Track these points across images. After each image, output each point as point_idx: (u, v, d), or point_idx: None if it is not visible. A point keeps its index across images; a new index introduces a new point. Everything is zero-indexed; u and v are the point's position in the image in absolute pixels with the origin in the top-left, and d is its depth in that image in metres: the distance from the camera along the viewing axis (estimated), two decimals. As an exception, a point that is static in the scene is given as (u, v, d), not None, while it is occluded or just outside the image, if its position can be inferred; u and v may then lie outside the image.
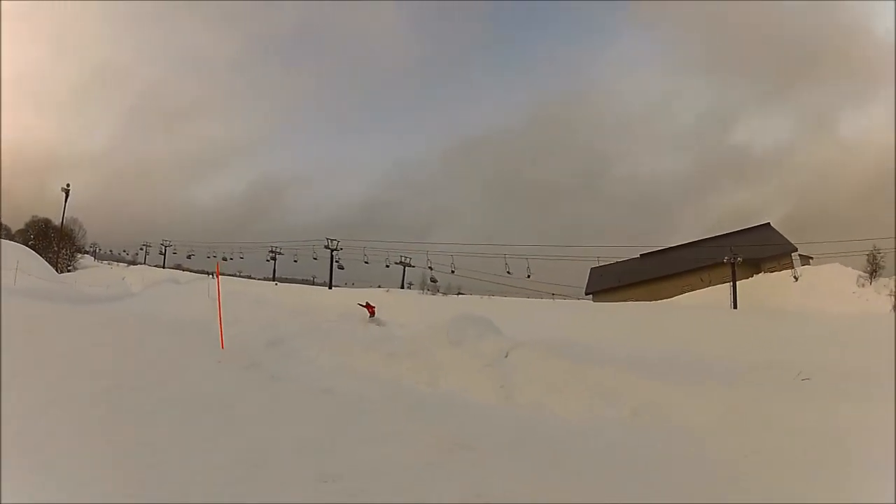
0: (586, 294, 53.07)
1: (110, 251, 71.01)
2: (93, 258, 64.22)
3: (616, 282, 51.93)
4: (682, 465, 8.19)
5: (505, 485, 6.42)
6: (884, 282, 27.14)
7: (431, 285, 44.16)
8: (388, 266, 49.86)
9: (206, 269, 52.50)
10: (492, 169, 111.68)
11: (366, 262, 49.98)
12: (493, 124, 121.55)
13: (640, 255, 53.23)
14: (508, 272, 45.97)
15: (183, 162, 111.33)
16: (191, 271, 56.46)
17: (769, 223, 53.74)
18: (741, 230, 51.02)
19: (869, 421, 9.61)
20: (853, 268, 36.89)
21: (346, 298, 30.68)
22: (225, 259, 59.57)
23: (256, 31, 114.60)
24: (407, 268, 49.59)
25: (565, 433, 9.58)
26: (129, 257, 70.48)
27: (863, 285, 32.49)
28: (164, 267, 62.01)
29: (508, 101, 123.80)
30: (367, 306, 20.91)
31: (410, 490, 6.16)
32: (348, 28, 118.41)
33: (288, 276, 54.72)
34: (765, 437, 9.23)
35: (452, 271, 46.50)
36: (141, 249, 69.70)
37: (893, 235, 34.83)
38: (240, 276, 55.69)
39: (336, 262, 49.00)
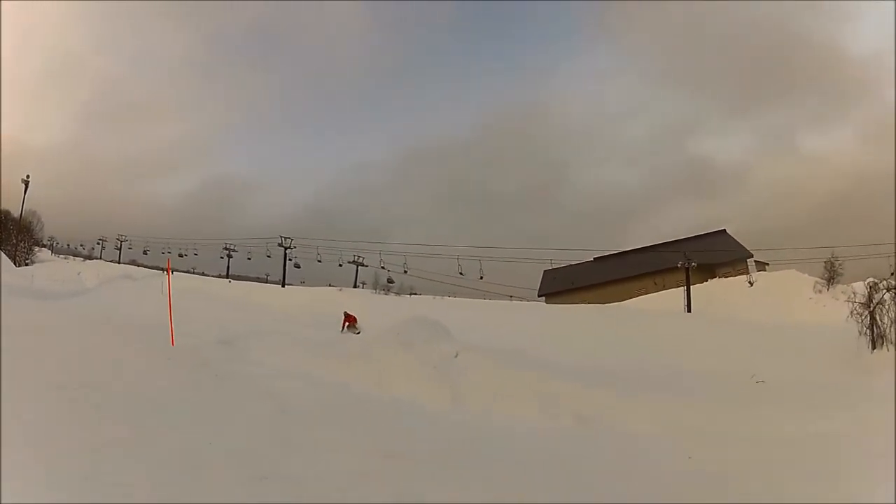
0: (539, 296, 53.20)
1: (67, 245, 69.65)
2: (50, 252, 63.00)
3: (569, 284, 52.13)
4: (624, 473, 8.32)
5: (434, 495, 6.44)
6: (842, 288, 27.34)
7: (384, 285, 44.06)
8: (340, 265, 49.65)
9: (160, 266, 51.57)
10: (447, 175, 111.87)
11: (318, 261, 49.79)
12: (451, 130, 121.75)
13: (594, 258, 53.64)
14: (461, 273, 46.20)
15: (140, 158, 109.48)
16: (145, 267, 55.53)
17: (725, 230, 54.49)
18: (696, 236, 51.66)
19: (818, 428, 9.89)
20: (810, 274, 37.36)
21: (299, 297, 30.47)
22: (181, 255, 58.70)
23: (217, 28, 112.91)
24: (360, 267, 49.50)
25: (508, 440, 9.63)
26: (85, 252, 69.17)
27: (820, 291, 32.74)
28: (119, 262, 61.07)
29: (468, 107, 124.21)
30: (347, 317, 20.45)
31: (338, 497, 6.17)
32: (308, 29, 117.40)
33: (242, 274, 54.02)
34: (709, 445, 9.41)
35: (405, 271, 46.55)
36: (97, 244, 68.56)
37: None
38: (194, 273, 55.06)
39: (290, 260, 48.68)
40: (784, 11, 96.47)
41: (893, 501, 4.77)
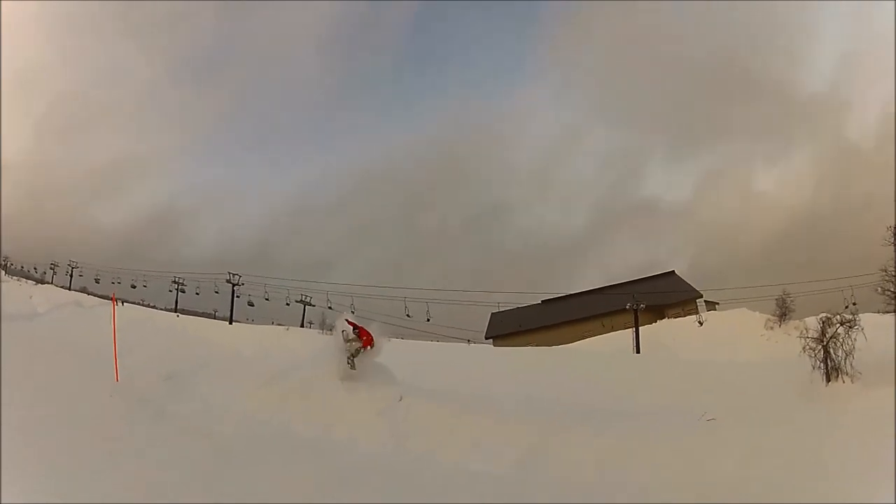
0: (486, 338, 53.05)
1: (21, 267, 68.16)
2: (3, 272, 61.58)
3: (517, 326, 52.37)
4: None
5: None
6: (794, 324, 27.49)
7: (331, 325, 43.95)
8: (288, 304, 49.41)
9: (110, 295, 50.76)
10: (392, 207, 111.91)
11: (266, 300, 49.41)
12: (396, 161, 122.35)
13: (542, 300, 54.00)
14: (408, 315, 46.29)
15: (91, 179, 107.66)
16: (95, 296, 54.43)
17: (674, 271, 55.39)
18: (645, 277, 52.35)
19: (763, 462, 9.99)
20: (761, 312, 37.72)
21: (245, 334, 30.13)
22: (134, 287, 57.98)
23: (171, 49, 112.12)
24: (307, 307, 49.26)
25: (447, 481, 9.58)
26: (37, 275, 67.71)
27: (771, 328, 32.93)
28: (70, 289, 59.79)
29: (413, 138, 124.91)
30: (361, 331, 15.15)
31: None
32: (262, 50, 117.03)
33: (190, 308, 53.36)
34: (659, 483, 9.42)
35: (353, 312, 46.50)
36: (50, 269, 67.20)
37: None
38: (143, 305, 54.19)
39: (238, 297, 48.18)
40: (731, 49, 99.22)
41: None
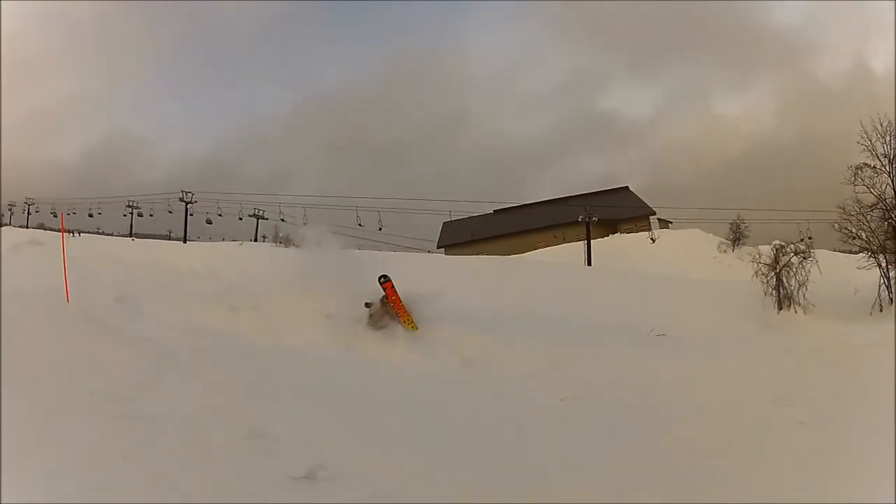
0: (438, 248, 53.79)
1: None
2: (-41, 218, 59.96)
3: (468, 236, 52.98)
4: (499, 408, 8.61)
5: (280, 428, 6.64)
6: (747, 250, 27.83)
7: (284, 238, 43.81)
8: (241, 219, 49.15)
9: (68, 227, 49.77)
10: (343, 123, 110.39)
11: (219, 215, 49.08)
12: (347, 77, 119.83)
13: (494, 210, 54.24)
14: (360, 224, 46.34)
15: (41, 116, 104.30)
16: (53, 230, 53.43)
17: (628, 186, 56.02)
18: (599, 191, 52.91)
19: (710, 371, 10.35)
20: (714, 235, 37.96)
21: (199, 253, 29.84)
22: (91, 216, 57.08)
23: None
24: (260, 220, 48.98)
25: (392, 382, 9.83)
26: (-5, 218, 65.92)
27: (724, 252, 33.31)
28: (27, 227, 58.52)
29: (364, 53, 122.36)
30: (389, 292, 12.88)
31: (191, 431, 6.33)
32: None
33: (146, 232, 52.91)
34: (588, 387, 9.72)
35: (304, 223, 46.50)
36: (8, 210, 65.54)
37: None
38: (99, 233, 53.40)
39: (192, 215, 47.72)
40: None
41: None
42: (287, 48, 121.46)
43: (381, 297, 12.95)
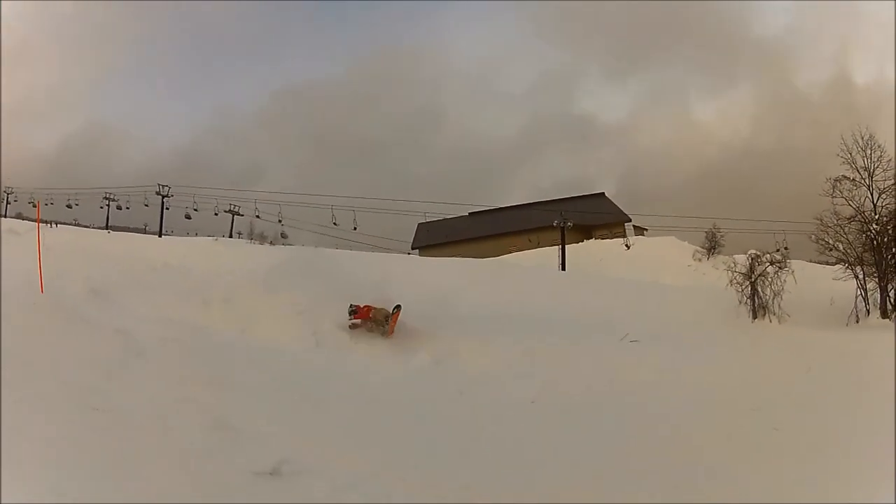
0: (413, 249, 53.93)
1: None
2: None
3: (443, 238, 52.95)
4: (464, 403, 8.80)
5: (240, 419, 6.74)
6: (722, 259, 27.86)
7: (259, 235, 43.74)
8: (216, 214, 48.90)
9: (44, 218, 49.23)
10: (317, 118, 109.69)
11: (195, 210, 48.82)
12: (320, 72, 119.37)
13: (469, 213, 54.25)
14: (335, 223, 46.28)
15: (20, 105, 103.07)
16: (30, 220, 52.80)
17: (604, 193, 56.36)
18: (575, 196, 53.11)
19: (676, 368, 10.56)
20: (690, 243, 38.12)
21: (175, 247, 29.60)
22: (69, 206, 56.55)
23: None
24: (236, 216, 48.83)
25: (360, 376, 9.95)
26: (-30, 208, 64.90)
27: (699, 260, 33.41)
28: (4, 216, 57.75)
29: (338, 50, 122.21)
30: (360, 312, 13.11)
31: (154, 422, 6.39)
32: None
33: (122, 225, 52.48)
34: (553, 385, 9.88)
35: (280, 220, 46.55)
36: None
37: None
38: (75, 225, 52.92)
39: (168, 209, 47.45)
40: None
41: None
42: (263, 42, 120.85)
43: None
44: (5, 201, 61.52)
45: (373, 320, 13.01)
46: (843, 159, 17.97)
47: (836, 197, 17.64)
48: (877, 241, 16.35)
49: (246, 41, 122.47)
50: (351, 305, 12.98)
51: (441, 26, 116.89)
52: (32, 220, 50.24)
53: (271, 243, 39.08)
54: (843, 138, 18.04)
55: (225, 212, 48.63)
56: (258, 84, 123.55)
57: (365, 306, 13.02)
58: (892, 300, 16.02)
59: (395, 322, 13.00)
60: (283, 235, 45.17)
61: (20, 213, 58.99)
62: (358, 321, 12.99)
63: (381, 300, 13.18)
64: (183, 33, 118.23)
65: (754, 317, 16.85)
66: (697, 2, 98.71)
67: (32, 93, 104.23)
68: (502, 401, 9.14)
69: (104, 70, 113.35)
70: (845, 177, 17.81)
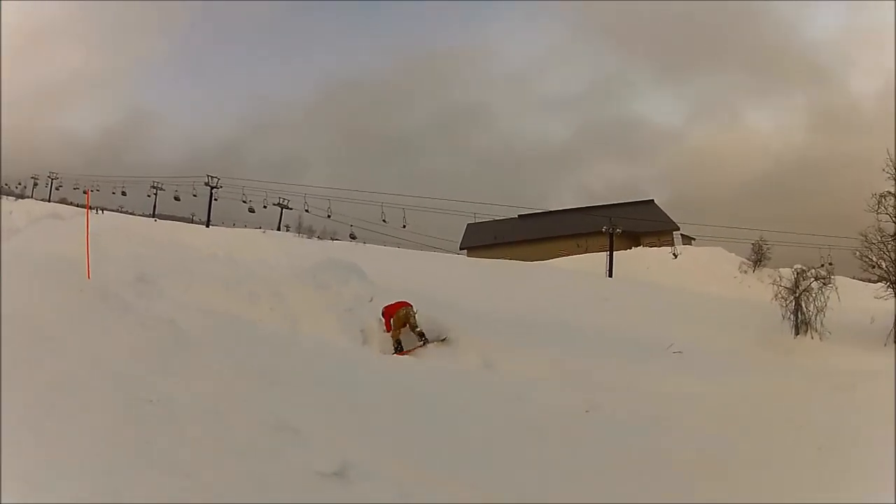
0: (461, 249, 53.36)
1: (6, 185, 66.98)
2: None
3: (492, 239, 52.59)
4: (517, 407, 8.53)
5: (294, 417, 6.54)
6: (768, 272, 27.50)
7: (307, 229, 43.76)
8: (265, 207, 48.95)
9: (91, 204, 50.18)
10: (365, 113, 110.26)
11: (244, 202, 48.99)
12: (372, 67, 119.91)
13: (519, 215, 53.89)
14: (384, 220, 46.08)
15: (56, 89, 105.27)
16: (75, 205, 53.74)
17: (653, 200, 55.56)
18: (624, 203, 52.39)
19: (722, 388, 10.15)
20: (737, 254, 37.66)
21: (222, 237, 29.89)
22: (114, 193, 57.50)
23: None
24: (284, 210, 48.97)
25: (408, 379, 9.70)
26: (18, 191, 66.42)
27: (745, 272, 32.96)
28: (49, 201, 58.91)
29: (388, 45, 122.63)
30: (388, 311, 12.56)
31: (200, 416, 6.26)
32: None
33: (168, 213, 53.10)
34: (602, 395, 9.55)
35: (329, 216, 46.51)
36: (31, 181, 66.05)
37: None
38: (122, 212, 53.67)
39: (216, 199, 47.70)
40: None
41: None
42: (313, 34, 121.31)
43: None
44: (51, 186, 62.63)
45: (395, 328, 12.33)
46: (888, 174, 17.40)
47: (880, 213, 17.13)
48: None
49: (295, 33, 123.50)
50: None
51: (492, 28, 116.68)
52: (76, 206, 51.30)
53: (319, 238, 39.07)
54: (888, 152, 17.47)
55: (274, 205, 48.67)
56: (304, 76, 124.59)
57: (386, 311, 12.52)
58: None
59: (402, 326, 12.37)
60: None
61: (64, 199, 60.08)
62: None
63: (419, 301, 12.89)
64: (224, 25, 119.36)
65: (796, 332, 16.60)
66: (750, 1, 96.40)
67: (73, 77, 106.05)
68: (555, 408, 8.80)
69: (145, 57, 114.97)
70: (889, 192, 17.29)
